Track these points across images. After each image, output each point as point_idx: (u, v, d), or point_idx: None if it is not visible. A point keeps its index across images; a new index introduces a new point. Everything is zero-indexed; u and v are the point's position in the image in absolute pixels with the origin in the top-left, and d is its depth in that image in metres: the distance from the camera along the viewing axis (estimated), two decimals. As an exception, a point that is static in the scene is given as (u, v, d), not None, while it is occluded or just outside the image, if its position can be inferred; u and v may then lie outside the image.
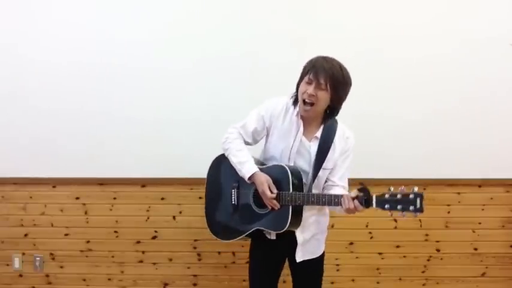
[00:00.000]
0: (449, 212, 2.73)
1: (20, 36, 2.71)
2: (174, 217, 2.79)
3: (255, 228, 1.93)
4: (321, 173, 1.88)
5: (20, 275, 2.85)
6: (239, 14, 2.65)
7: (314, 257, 1.99)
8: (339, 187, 1.91)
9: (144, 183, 2.78)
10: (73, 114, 2.72)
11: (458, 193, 2.73)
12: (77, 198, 2.81)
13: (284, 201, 1.84)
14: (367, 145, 2.59)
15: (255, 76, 2.62)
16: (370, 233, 2.74)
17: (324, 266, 2.07)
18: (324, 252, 2.04)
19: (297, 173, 1.87)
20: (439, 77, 2.63)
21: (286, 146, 1.91)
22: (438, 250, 2.75)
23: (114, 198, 2.80)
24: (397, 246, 2.74)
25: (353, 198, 1.69)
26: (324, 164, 1.88)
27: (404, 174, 2.66)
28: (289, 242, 1.92)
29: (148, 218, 2.80)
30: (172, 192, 2.77)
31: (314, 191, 1.90)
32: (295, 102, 1.91)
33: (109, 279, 2.83)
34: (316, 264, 2.01)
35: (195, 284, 2.82)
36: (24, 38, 2.71)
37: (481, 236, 2.73)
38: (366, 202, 1.66)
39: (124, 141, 2.72)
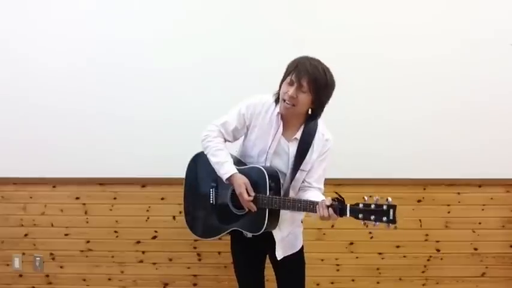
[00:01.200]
0: (449, 212, 2.73)
1: (20, 36, 2.71)
2: (174, 217, 2.78)
3: (232, 229, 1.94)
4: (298, 174, 1.88)
5: (20, 275, 2.85)
6: (239, 15, 2.65)
7: (294, 251, 2.00)
8: (315, 189, 1.90)
9: (144, 183, 2.78)
10: (73, 114, 2.72)
11: (458, 193, 2.72)
12: (77, 198, 2.81)
13: (261, 204, 1.83)
14: (366, 145, 2.61)
15: (255, 76, 2.61)
16: (370, 233, 2.74)
17: (305, 257, 2.08)
18: (302, 246, 2.05)
19: (274, 176, 1.85)
20: (439, 77, 2.63)
21: (264, 145, 1.89)
22: (438, 250, 2.74)
23: (114, 198, 2.80)
24: (397, 246, 2.74)
25: (328, 207, 1.68)
26: (302, 166, 1.87)
27: (405, 174, 2.67)
28: (266, 239, 1.92)
29: (148, 218, 2.80)
30: (172, 192, 2.76)
31: (291, 191, 1.90)
32: (276, 101, 1.87)
33: (109, 279, 2.83)
34: (297, 257, 2.02)
35: (195, 284, 2.82)
36: (24, 39, 2.71)
37: (481, 236, 2.73)
38: (340, 211, 1.67)
39: (124, 141, 2.72)
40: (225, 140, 1.97)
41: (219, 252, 2.78)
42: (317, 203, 1.72)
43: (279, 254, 1.94)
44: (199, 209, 2.08)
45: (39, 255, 2.83)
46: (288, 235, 1.98)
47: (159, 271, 2.82)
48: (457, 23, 2.62)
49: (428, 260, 2.75)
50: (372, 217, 1.60)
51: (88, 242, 2.82)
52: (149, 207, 2.80)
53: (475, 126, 2.64)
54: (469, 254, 2.74)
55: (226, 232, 1.98)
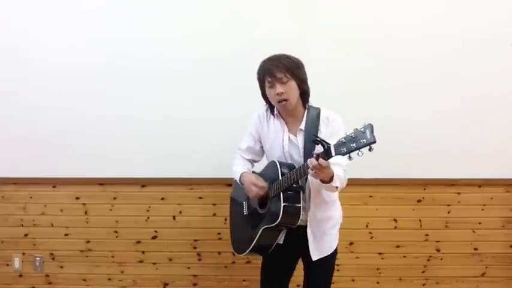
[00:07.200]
0: (449, 212, 2.73)
1: (20, 36, 2.71)
2: (174, 217, 2.79)
3: (262, 229, 1.92)
4: None
5: (20, 275, 2.85)
6: (239, 15, 2.65)
7: (329, 252, 1.98)
8: (335, 166, 1.82)
9: (144, 183, 2.78)
10: (73, 114, 2.72)
11: (458, 193, 2.72)
12: (77, 198, 2.81)
13: (274, 191, 1.89)
14: (367, 145, 2.60)
15: (255, 76, 2.61)
16: (370, 233, 2.74)
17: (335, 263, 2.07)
18: (336, 249, 2.02)
19: (287, 164, 1.92)
20: (439, 77, 2.63)
21: (279, 148, 1.98)
22: (438, 250, 2.74)
23: (114, 198, 2.80)
24: (397, 246, 2.74)
25: (315, 158, 1.67)
26: (315, 151, 1.86)
27: (404, 174, 2.67)
28: (299, 241, 1.93)
29: (148, 218, 2.80)
30: (172, 192, 2.77)
31: (310, 179, 1.89)
32: (271, 111, 2.02)
33: (109, 279, 2.83)
34: (329, 259, 2.00)
35: (195, 284, 2.82)
36: (24, 38, 2.71)
37: (481, 236, 2.73)
38: (327, 154, 1.64)
39: (124, 141, 2.72)
40: (252, 160, 2.16)
41: (219, 252, 2.78)
42: (307, 161, 1.72)
43: (315, 255, 1.92)
44: (239, 227, 2.19)
45: (39, 255, 2.83)
46: (323, 235, 1.95)
47: (159, 271, 2.82)
48: (457, 23, 2.62)
49: (428, 260, 2.75)
50: (353, 145, 1.56)
51: (88, 242, 2.82)
52: (149, 207, 2.80)
53: (475, 126, 2.64)
54: (469, 254, 2.74)
55: (258, 236, 1.95)
